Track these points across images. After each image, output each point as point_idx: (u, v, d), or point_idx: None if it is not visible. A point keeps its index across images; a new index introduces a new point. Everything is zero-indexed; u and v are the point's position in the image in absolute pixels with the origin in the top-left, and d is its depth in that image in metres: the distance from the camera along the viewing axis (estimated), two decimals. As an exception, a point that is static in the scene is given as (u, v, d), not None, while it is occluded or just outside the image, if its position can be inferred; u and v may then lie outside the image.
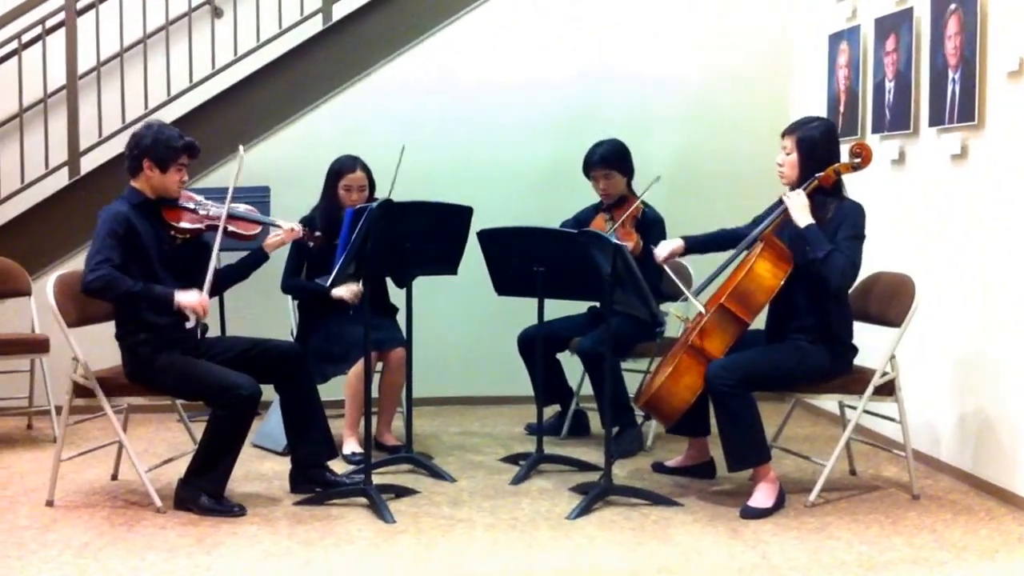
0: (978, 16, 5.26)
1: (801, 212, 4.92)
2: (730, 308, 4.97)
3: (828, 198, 4.99)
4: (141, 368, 4.96)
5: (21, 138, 7.06)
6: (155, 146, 4.95)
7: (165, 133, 4.98)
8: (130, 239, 4.87)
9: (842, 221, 4.93)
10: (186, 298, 4.86)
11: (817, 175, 4.97)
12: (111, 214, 4.89)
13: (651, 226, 5.99)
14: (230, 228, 5.10)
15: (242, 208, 5.22)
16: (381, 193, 5.91)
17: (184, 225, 5.04)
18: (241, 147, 5.34)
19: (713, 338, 5.00)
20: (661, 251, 5.39)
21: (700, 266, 5.84)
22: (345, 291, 5.72)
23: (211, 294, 4.99)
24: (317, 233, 5.38)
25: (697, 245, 5.45)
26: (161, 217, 5.02)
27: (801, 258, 4.92)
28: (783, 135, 5.14)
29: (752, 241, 5.12)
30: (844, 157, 5.08)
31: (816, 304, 4.99)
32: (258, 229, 5.23)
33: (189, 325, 4.95)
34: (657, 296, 5.17)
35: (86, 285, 4.78)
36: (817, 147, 5.02)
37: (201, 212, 5.09)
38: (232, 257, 5.46)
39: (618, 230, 5.83)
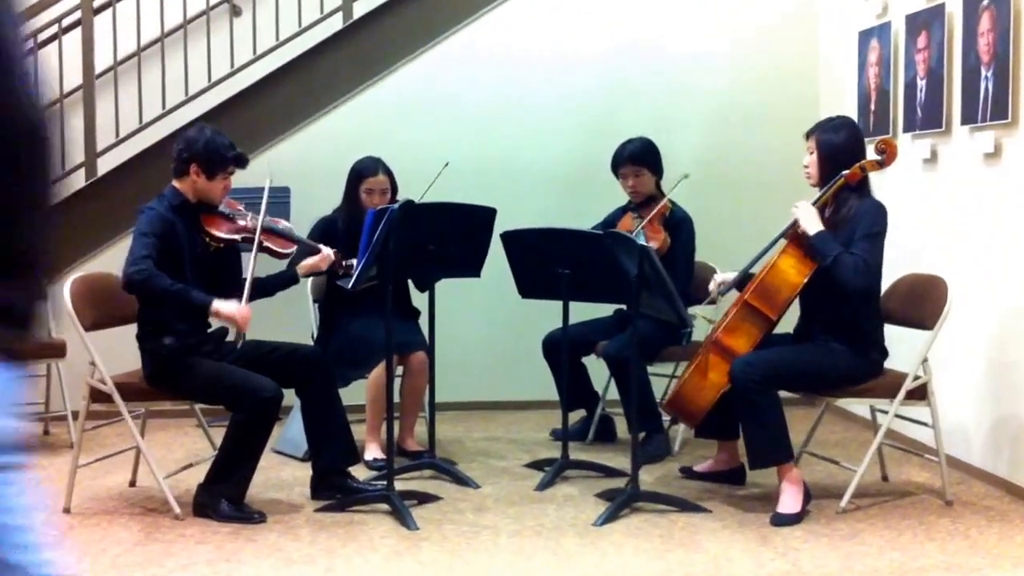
0: (1011, 12, 5.16)
1: (811, 221, 4.87)
2: (754, 304, 4.91)
3: (852, 195, 4.93)
4: (161, 370, 4.91)
5: (38, 139, 7.00)
6: (206, 152, 4.91)
7: (217, 140, 4.94)
8: (168, 241, 4.83)
9: (860, 220, 4.87)
10: (226, 307, 4.82)
11: (844, 172, 4.92)
12: (153, 214, 4.85)
13: (679, 224, 5.95)
14: (265, 243, 5.07)
15: (280, 225, 5.22)
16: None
17: (220, 234, 5.01)
18: (269, 177, 5.34)
19: (738, 336, 4.95)
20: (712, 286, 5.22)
21: (726, 267, 5.75)
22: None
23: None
24: (346, 263, 5.32)
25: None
26: (199, 222, 4.99)
27: (822, 262, 4.86)
28: (806, 136, 5.09)
29: (777, 240, 5.08)
30: (870, 154, 5.03)
31: (845, 305, 4.90)
32: (293, 248, 5.23)
33: (230, 338, 4.92)
34: (684, 299, 5.09)
35: (128, 277, 4.73)
36: (837, 147, 4.97)
37: (239, 223, 5.06)
38: (262, 269, 5.39)
39: (645, 227, 5.77)
